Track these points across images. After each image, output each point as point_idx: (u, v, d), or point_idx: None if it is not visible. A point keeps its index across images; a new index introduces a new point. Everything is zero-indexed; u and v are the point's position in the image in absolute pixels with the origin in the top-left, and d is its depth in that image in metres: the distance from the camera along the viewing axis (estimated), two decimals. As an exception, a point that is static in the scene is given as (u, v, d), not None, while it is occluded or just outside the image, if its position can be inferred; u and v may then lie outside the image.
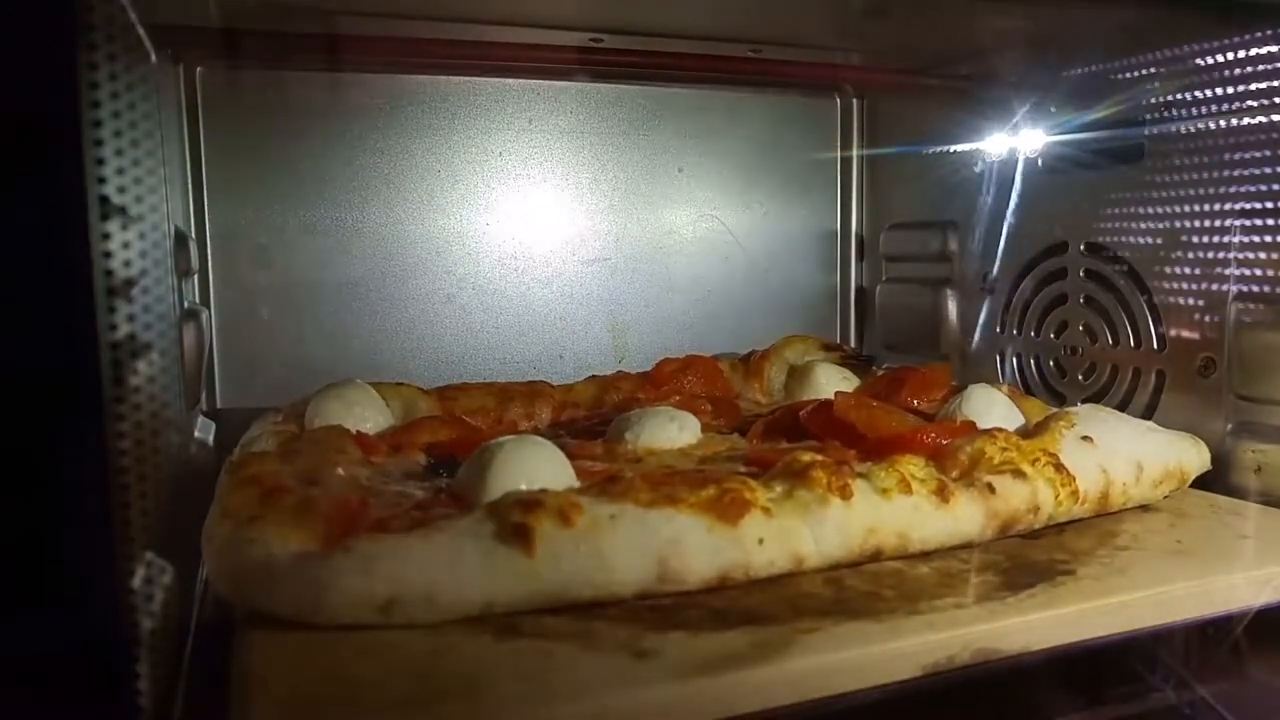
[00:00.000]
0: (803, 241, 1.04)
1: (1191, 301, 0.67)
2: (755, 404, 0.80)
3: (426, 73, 0.87)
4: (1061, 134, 0.78)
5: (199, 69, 0.80)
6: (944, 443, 0.55)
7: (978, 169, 0.87)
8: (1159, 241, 0.69)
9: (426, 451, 0.58)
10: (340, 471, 0.49)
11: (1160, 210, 0.69)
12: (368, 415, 0.64)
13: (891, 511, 0.48)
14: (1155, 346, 0.70)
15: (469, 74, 0.88)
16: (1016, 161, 0.82)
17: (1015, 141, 0.82)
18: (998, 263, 0.85)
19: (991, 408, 0.61)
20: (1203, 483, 0.61)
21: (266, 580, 0.40)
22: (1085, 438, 0.56)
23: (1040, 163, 0.80)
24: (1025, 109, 0.81)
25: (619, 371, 0.81)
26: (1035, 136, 0.80)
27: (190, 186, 0.81)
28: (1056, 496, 0.52)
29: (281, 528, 0.42)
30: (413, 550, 0.41)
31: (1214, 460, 0.61)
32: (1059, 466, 0.53)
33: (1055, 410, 0.60)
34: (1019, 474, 0.52)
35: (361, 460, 0.54)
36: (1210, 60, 0.65)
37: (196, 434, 0.71)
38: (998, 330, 0.86)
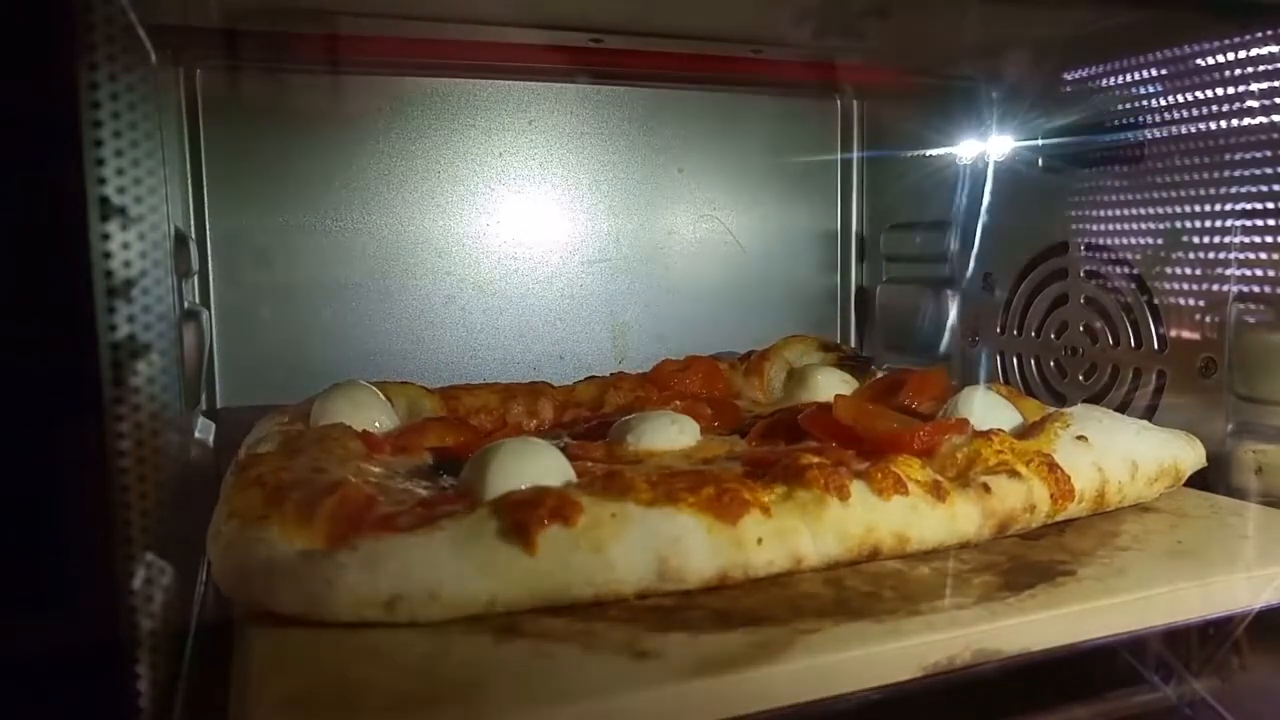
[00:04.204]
0: (803, 242, 1.04)
1: (1192, 302, 0.67)
2: (755, 404, 0.80)
3: (427, 74, 0.87)
4: (1062, 134, 0.78)
5: (199, 69, 0.80)
6: (939, 442, 0.55)
7: (979, 168, 0.87)
8: (1159, 242, 0.69)
9: (431, 452, 0.58)
10: (344, 469, 0.49)
11: (1160, 210, 0.69)
12: (373, 415, 0.64)
13: (889, 511, 0.48)
14: (1156, 347, 0.70)
15: (469, 75, 0.88)
16: (1016, 162, 0.82)
17: (1015, 141, 0.82)
18: (998, 263, 0.85)
19: (989, 409, 0.61)
20: (1203, 483, 0.61)
21: (272, 578, 0.41)
22: (1080, 437, 0.56)
23: (1040, 163, 0.80)
24: (1026, 110, 0.81)
25: (619, 372, 0.81)
26: (1035, 137, 0.80)
27: (190, 186, 0.81)
28: (1052, 495, 0.53)
29: (286, 527, 0.42)
30: (416, 548, 0.41)
31: (1214, 461, 0.61)
32: (1053, 466, 0.53)
33: (1052, 410, 0.61)
34: (1014, 474, 0.52)
35: (365, 457, 0.54)
36: (1210, 60, 0.65)
37: (197, 434, 0.71)
38: (998, 331, 0.86)
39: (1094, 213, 0.75)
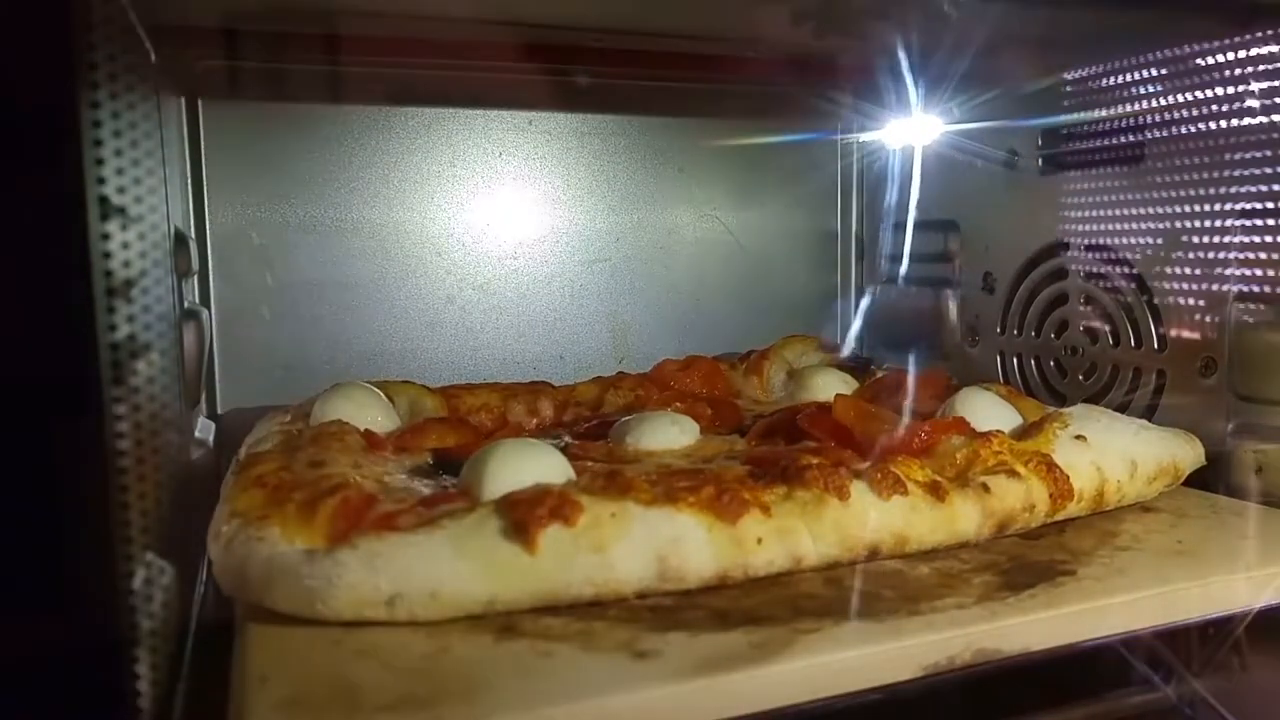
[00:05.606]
0: (803, 241, 1.04)
1: (1192, 301, 0.67)
2: (755, 404, 0.80)
3: (426, 73, 0.87)
4: (1061, 134, 0.78)
5: (199, 69, 0.80)
6: (938, 442, 0.55)
7: (977, 167, 0.87)
8: (1159, 241, 0.69)
9: (431, 452, 0.58)
10: (344, 467, 0.49)
11: (1160, 210, 0.69)
12: (374, 415, 0.64)
13: (888, 511, 0.48)
14: (1156, 347, 0.70)
15: (469, 74, 0.88)
16: (1016, 161, 0.82)
17: (1014, 141, 0.82)
18: (997, 263, 0.85)
19: (988, 409, 0.61)
20: (1203, 483, 0.61)
21: (272, 577, 0.41)
22: (1079, 437, 0.56)
23: (1039, 162, 0.80)
24: (1025, 109, 0.80)
25: (620, 372, 0.81)
26: (1035, 136, 0.80)
27: (190, 186, 0.81)
28: (1051, 495, 0.53)
29: (288, 526, 0.42)
30: (417, 547, 0.41)
31: (1214, 461, 0.61)
32: (1051, 465, 0.53)
33: (1051, 410, 0.61)
34: (1013, 474, 0.52)
35: (366, 455, 0.54)
36: (1210, 60, 0.65)
37: (197, 434, 0.71)
38: (998, 330, 0.86)
39: (1093, 212, 0.75)
